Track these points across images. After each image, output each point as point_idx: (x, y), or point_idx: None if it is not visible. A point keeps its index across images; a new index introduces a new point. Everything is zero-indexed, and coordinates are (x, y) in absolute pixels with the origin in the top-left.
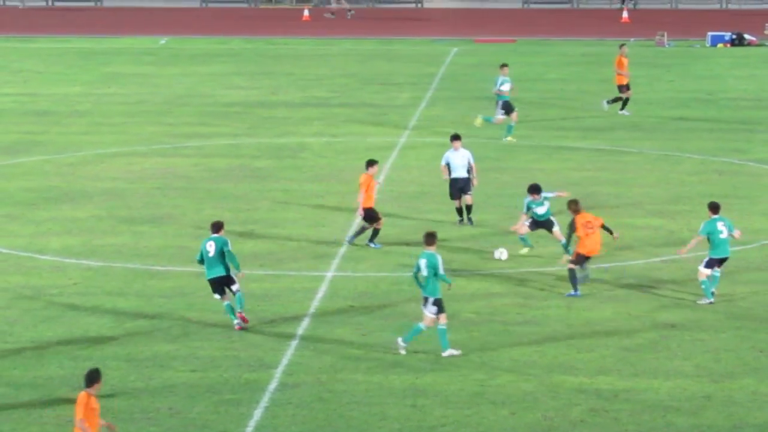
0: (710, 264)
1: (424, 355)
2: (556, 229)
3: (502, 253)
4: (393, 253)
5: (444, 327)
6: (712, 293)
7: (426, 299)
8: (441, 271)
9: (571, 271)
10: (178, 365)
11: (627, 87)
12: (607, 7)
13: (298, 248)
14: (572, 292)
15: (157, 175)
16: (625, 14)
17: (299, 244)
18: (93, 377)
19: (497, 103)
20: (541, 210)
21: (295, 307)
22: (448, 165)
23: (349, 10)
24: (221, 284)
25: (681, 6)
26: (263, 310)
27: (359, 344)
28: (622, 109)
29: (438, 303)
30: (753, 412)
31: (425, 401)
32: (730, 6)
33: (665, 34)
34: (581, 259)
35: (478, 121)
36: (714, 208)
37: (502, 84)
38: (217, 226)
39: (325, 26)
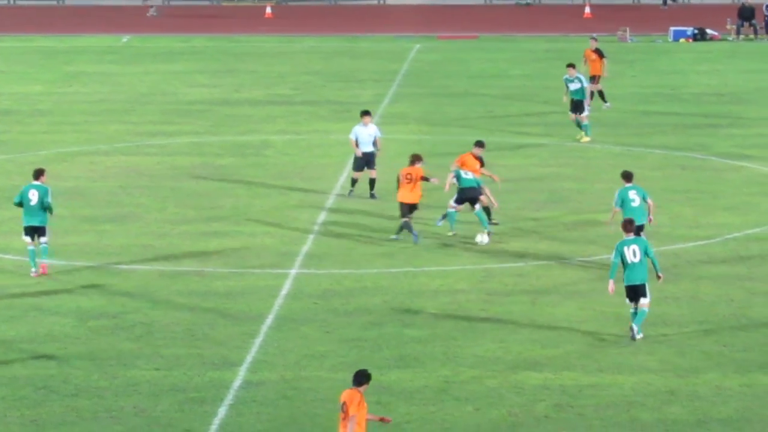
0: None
1: (388, 352)
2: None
3: (483, 238)
4: (357, 250)
5: (646, 310)
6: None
7: (637, 287)
8: (652, 254)
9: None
10: (142, 364)
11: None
12: (569, 3)
13: (261, 246)
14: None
15: (120, 173)
16: (587, 9)
17: (263, 241)
18: (365, 378)
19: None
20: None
21: (259, 304)
22: (356, 139)
23: (151, 7)
24: (35, 231)
25: (643, 1)
26: (227, 307)
27: (323, 341)
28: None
29: (643, 289)
30: (717, 407)
31: (389, 398)
32: (692, 1)
33: (627, 29)
34: (401, 208)
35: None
36: (627, 176)
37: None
38: (38, 173)
39: (288, 23)
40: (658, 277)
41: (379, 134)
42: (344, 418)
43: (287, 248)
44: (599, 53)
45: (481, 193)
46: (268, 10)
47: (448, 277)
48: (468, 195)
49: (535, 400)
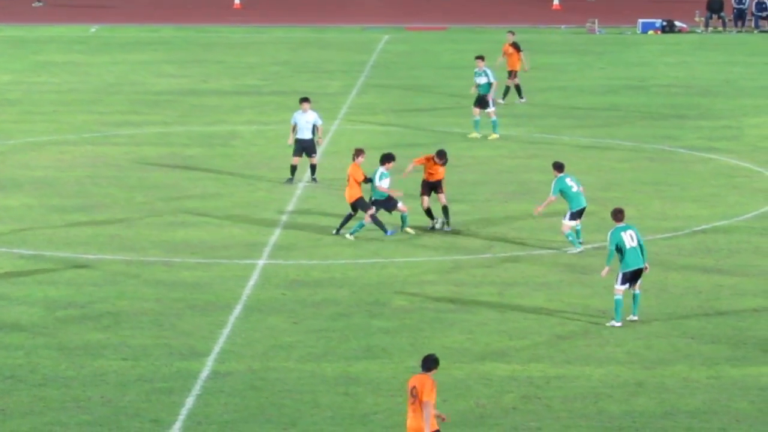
0: (573, 217)
1: (356, 343)
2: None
3: (437, 222)
4: (324, 241)
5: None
6: (580, 242)
7: (637, 271)
8: (642, 242)
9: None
10: (110, 354)
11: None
12: None
13: (229, 236)
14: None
15: (88, 163)
16: (556, 1)
17: (231, 232)
18: (434, 363)
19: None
20: None
21: (226, 295)
22: (295, 125)
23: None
24: None
25: None
26: (195, 298)
27: (291, 332)
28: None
29: (641, 272)
30: (684, 399)
31: (357, 389)
32: None
33: (596, 21)
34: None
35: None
36: (558, 167)
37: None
38: None
39: (256, 14)
40: (645, 267)
41: (319, 122)
42: (413, 403)
43: (255, 239)
44: (516, 47)
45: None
46: (237, 0)
47: (416, 268)
48: (380, 204)
49: (502, 391)
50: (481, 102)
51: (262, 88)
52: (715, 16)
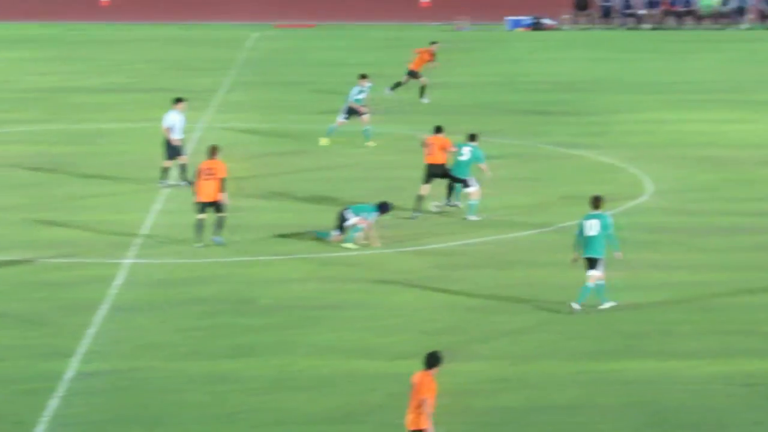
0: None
1: (222, 341)
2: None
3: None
4: (191, 240)
5: (603, 283)
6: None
7: (592, 260)
8: (611, 231)
9: (198, 221)
10: None
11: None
12: None
13: (95, 235)
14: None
15: None
16: None
17: (97, 231)
18: (437, 360)
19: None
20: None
21: (93, 294)
22: (173, 126)
23: None
24: None
25: None
26: (59, 298)
27: (157, 331)
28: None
29: (596, 262)
30: (551, 394)
31: (224, 388)
32: None
33: (464, 18)
34: (198, 207)
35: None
36: (471, 137)
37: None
38: None
39: (124, 11)
40: (602, 256)
41: (184, 122)
42: (412, 400)
43: (121, 238)
44: (434, 57)
45: None
46: None
47: (283, 266)
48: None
49: (369, 389)
50: (353, 113)
51: (130, 85)
52: (582, 13)
